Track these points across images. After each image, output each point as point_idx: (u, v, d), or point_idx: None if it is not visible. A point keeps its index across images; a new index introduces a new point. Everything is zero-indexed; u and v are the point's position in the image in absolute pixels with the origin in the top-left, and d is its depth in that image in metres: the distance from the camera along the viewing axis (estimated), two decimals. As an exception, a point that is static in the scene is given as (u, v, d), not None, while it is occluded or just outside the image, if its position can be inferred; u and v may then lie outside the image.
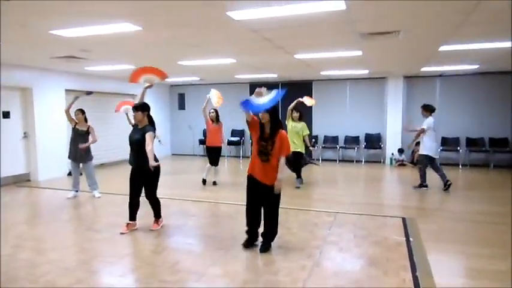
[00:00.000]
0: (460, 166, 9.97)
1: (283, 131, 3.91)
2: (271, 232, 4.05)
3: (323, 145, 11.22)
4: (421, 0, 3.54)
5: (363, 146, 10.97)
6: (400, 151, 10.37)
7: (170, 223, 5.02)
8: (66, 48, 5.85)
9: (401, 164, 10.22)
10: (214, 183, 7.59)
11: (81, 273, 3.50)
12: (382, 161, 10.85)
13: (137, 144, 4.48)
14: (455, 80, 10.11)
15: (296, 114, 7.21)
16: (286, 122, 7.13)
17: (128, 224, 4.69)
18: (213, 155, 7.50)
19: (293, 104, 7.29)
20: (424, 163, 7.01)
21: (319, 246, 4.17)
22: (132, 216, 4.72)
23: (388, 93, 10.54)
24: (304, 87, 11.19)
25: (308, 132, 7.28)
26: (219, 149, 7.53)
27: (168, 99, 13.08)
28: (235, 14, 3.90)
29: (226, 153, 11.24)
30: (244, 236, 4.10)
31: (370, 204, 6.24)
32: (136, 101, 5.09)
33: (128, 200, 4.68)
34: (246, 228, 4.09)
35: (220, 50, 6.17)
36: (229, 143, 11.53)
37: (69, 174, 5.78)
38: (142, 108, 4.58)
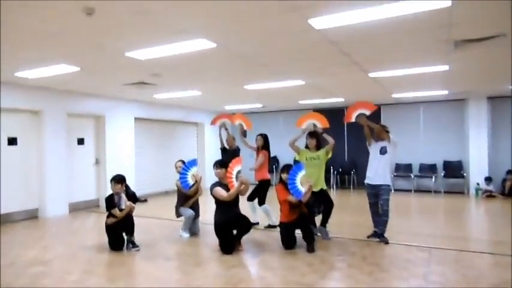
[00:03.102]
0: None
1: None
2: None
3: (394, 173, 10.30)
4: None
5: (442, 174, 9.90)
6: (488, 180, 9.17)
7: (241, 253, 4.58)
8: (138, 73, 5.90)
9: (490, 195, 9.00)
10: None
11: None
12: (465, 191, 9.66)
13: None
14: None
15: (312, 141, 5.31)
16: (299, 157, 5.40)
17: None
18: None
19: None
20: None
21: (421, 285, 3.47)
22: None
23: (470, 116, 9.52)
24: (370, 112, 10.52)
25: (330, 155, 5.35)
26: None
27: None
28: (318, 21, 3.56)
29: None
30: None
31: (466, 239, 5.37)
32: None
33: None
34: None
35: (289, 70, 5.88)
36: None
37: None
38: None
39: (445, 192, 9.84)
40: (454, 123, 9.99)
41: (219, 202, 4.65)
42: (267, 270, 4.00)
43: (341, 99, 9.55)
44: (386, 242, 4.91)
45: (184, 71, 5.91)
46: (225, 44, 4.34)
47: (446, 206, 8.15)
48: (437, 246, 4.80)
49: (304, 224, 4.70)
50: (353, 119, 5.20)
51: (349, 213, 7.07)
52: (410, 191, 10.12)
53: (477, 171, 9.41)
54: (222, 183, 4.69)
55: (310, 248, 4.61)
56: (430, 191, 9.87)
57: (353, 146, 10.90)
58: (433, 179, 9.89)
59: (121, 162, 8.64)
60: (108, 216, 4.86)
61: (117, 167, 8.43)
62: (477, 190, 9.31)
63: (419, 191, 10.12)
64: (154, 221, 6.55)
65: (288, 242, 4.77)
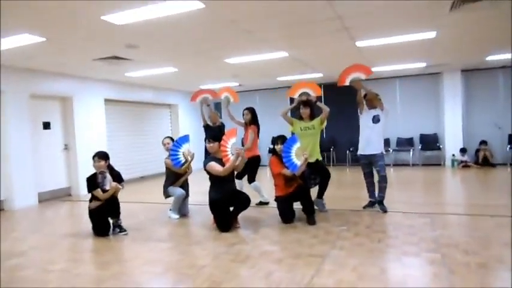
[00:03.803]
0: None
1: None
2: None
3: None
4: None
5: (419, 147, 10.06)
6: (463, 151, 9.41)
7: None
8: (112, 44, 5.38)
9: (465, 165, 9.24)
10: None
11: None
12: (442, 163, 9.88)
13: None
14: (520, 70, 9.17)
15: (306, 110, 5.08)
16: (292, 129, 5.19)
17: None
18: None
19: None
20: None
21: (436, 249, 3.37)
22: None
23: (445, 89, 9.68)
24: (349, 89, 10.45)
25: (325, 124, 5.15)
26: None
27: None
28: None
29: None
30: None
31: (457, 205, 5.42)
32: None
33: None
34: None
35: (276, 38, 5.57)
36: (270, 151, 10.83)
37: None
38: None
39: (422, 164, 10.02)
40: (430, 97, 10.13)
41: (214, 178, 4.34)
42: (272, 244, 3.77)
43: (320, 75, 9.38)
44: (385, 211, 4.81)
45: (163, 42, 5.46)
46: (214, 4, 3.97)
47: (427, 177, 8.26)
48: (435, 212, 4.78)
49: (303, 195, 4.50)
50: (347, 83, 4.99)
51: (337, 188, 6.97)
52: (388, 165, 10.18)
53: (452, 143, 9.63)
54: (216, 158, 4.37)
55: (311, 220, 4.43)
56: (408, 164, 10.02)
57: (332, 123, 10.71)
58: (411, 153, 10.03)
59: (92, 147, 7.96)
60: (90, 200, 4.42)
61: (88, 152, 7.75)
62: (453, 161, 9.55)
63: (397, 164, 10.25)
64: (137, 205, 6.13)
65: (287, 216, 4.56)
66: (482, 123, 9.60)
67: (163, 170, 5.29)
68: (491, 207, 4.98)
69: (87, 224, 4.58)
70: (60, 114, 7.79)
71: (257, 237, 4.06)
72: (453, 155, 9.57)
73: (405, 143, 10.23)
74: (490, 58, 8.09)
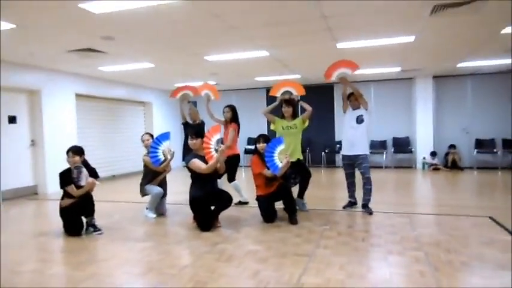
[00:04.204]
0: (499, 168, 9.35)
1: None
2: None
3: (348, 151, 10.50)
4: None
5: (392, 150, 10.31)
6: (433, 154, 9.72)
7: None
8: (88, 34, 5.13)
9: (435, 168, 9.54)
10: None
11: (138, 289, 2.69)
12: (413, 166, 10.16)
13: None
14: (488, 78, 9.58)
15: (288, 109, 5.02)
16: (274, 127, 5.12)
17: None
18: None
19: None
20: None
21: (418, 248, 3.41)
22: None
23: (417, 94, 9.97)
24: (324, 91, 10.63)
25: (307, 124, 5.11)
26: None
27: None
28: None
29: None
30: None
31: (432, 205, 5.58)
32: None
33: None
34: None
35: (259, 35, 5.51)
36: (247, 151, 10.77)
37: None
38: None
39: (394, 167, 10.26)
40: (403, 101, 10.41)
41: (195, 175, 4.21)
42: (256, 244, 3.69)
43: (297, 76, 9.41)
44: (371, 213, 4.82)
45: (141, 35, 5.27)
46: (200, -4, 3.86)
47: (400, 179, 8.46)
48: (412, 212, 4.86)
49: (285, 195, 4.45)
50: (333, 78, 4.97)
51: (316, 188, 6.97)
52: (362, 167, 10.40)
53: (423, 146, 9.93)
54: (198, 155, 4.24)
55: (294, 220, 4.39)
56: (381, 167, 10.23)
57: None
58: (384, 155, 10.26)
59: (61, 143, 7.56)
60: (62, 197, 4.17)
61: (57, 149, 7.44)
62: (424, 164, 9.84)
63: (370, 167, 10.39)
64: (110, 205, 5.87)
65: (269, 215, 4.50)
66: (452, 127, 9.97)
67: (136, 169, 5.14)
68: (465, 207, 5.12)
69: (57, 223, 4.32)
70: (27, 108, 7.37)
71: (240, 236, 3.97)
72: (424, 157, 9.86)
73: (378, 146, 10.45)
74: (461, 65, 8.40)
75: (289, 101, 5.04)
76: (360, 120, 4.98)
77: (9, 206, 6.21)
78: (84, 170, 4.04)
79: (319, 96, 10.27)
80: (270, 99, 5.20)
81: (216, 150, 4.17)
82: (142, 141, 5.10)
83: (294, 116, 5.06)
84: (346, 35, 5.59)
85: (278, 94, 5.15)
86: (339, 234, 3.94)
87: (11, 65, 6.71)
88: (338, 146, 10.59)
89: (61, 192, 4.20)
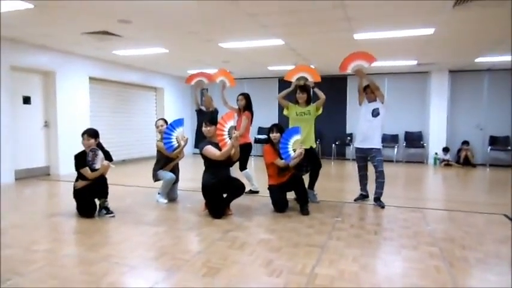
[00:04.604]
0: (512, 166, 9.21)
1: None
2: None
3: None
4: None
5: (403, 144, 10.21)
6: (445, 150, 9.59)
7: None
8: (105, 16, 5.11)
9: (447, 164, 9.43)
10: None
11: (151, 272, 2.70)
12: (425, 161, 10.05)
13: None
14: (505, 74, 9.36)
15: (303, 95, 4.95)
16: (287, 113, 5.06)
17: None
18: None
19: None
20: None
21: (433, 243, 3.37)
22: None
23: (432, 88, 9.81)
24: (337, 82, 10.50)
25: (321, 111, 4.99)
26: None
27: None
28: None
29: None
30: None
31: (446, 201, 5.52)
32: None
33: None
34: None
35: (276, 24, 5.43)
36: (257, 141, 10.73)
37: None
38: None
39: (406, 161, 10.17)
40: (417, 95, 10.26)
41: (209, 162, 4.20)
42: (268, 233, 3.68)
43: (311, 67, 9.29)
44: (383, 207, 4.77)
45: (157, 19, 5.23)
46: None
47: (411, 174, 8.38)
48: (425, 207, 4.82)
49: (297, 185, 4.43)
50: (349, 70, 4.89)
51: (326, 180, 6.95)
52: (373, 160, 10.32)
53: (436, 141, 9.81)
54: (212, 142, 4.23)
55: (305, 210, 4.37)
56: (392, 161, 10.14)
57: (318, 116, 10.82)
58: (395, 149, 10.16)
59: (75, 126, 7.68)
60: (77, 179, 4.20)
61: (69, 131, 7.53)
62: (435, 159, 9.73)
63: (381, 160, 10.34)
64: (123, 188, 5.91)
65: (281, 205, 4.49)
66: (466, 123, 9.83)
67: (145, 154, 5.10)
68: (478, 204, 5.06)
69: (70, 204, 4.37)
70: (42, 89, 7.41)
71: (251, 224, 3.97)
72: (436, 153, 9.75)
73: (390, 140, 10.34)
74: (479, 60, 8.22)
75: (304, 87, 4.97)
76: (375, 113, 4.90)
77: (22, 185, 6.30)
78: (100, 153, 4.05)
79: (332, 87, 10.13)
80: (282, 89, 5.10)
81: (230, 137, 4.15)
82: (157, 126, 5.09)
83: (308, 102, 5.01)
84: (364, 25, 5.48)
85: (293, 79, 5.06)
86: (351, 226, 3.91)
87: (26, 46, 6.73)
88: (349, 138, 10.55)
89: (73, 174, 4.24)
